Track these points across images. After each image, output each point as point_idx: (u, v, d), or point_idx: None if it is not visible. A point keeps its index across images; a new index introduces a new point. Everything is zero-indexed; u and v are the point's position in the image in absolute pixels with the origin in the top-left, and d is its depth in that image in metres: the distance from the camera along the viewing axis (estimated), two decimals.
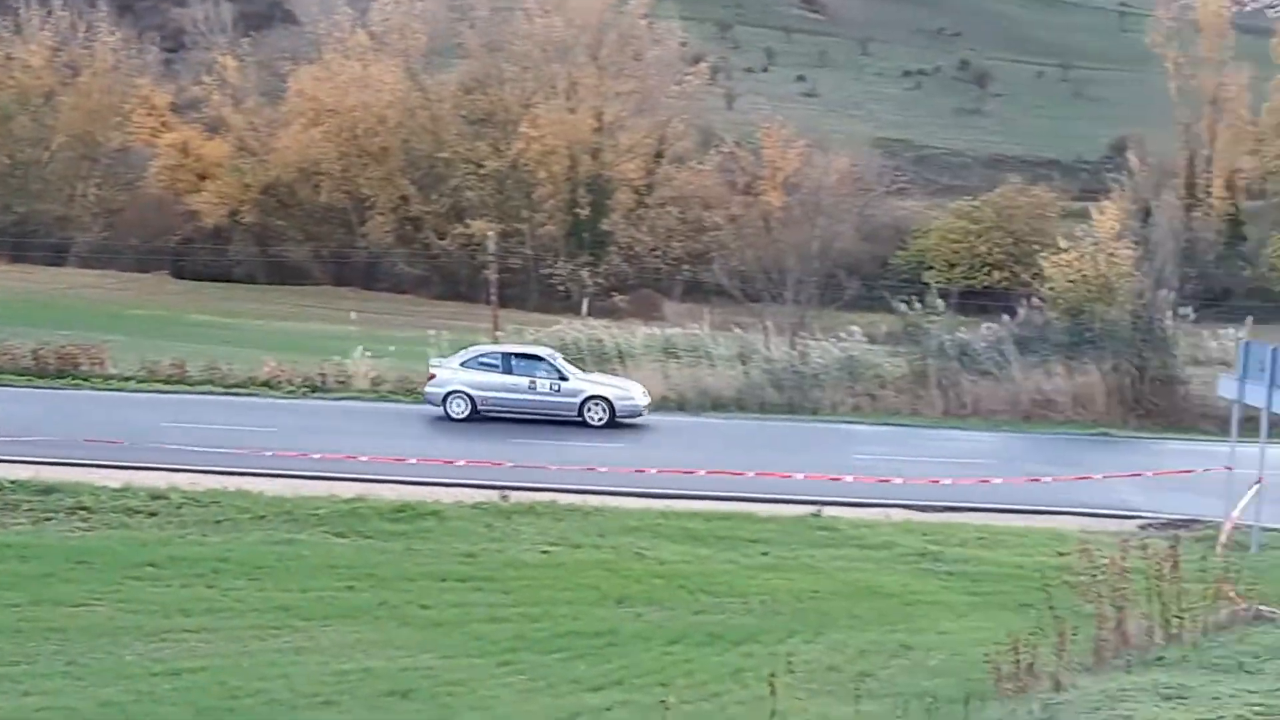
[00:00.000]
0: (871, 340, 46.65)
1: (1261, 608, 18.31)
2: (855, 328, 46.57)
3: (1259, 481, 22.50)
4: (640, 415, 35.21)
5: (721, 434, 35.38)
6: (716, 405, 39.26)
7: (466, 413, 34.88)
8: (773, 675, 12.68)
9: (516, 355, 35.76)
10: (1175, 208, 78.45)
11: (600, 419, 34.47)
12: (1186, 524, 24.78)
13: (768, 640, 18.84)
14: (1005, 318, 42.59)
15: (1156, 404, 37.23)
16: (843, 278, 62.89)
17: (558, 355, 36.41)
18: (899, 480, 27.68)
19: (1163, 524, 24.61)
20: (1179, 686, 14.36)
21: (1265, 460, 22.84)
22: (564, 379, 34.60)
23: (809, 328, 47.62)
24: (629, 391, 35.51)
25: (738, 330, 46.49)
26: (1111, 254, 40.79)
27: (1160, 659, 16.00)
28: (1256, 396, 23.11)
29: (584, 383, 35.19)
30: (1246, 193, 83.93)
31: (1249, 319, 44.77)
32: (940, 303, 43.49)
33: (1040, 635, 15.80)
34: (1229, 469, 24.02)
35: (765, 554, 23.34)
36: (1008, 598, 20.74)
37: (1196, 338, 46.56)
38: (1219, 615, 17.68)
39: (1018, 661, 15.10)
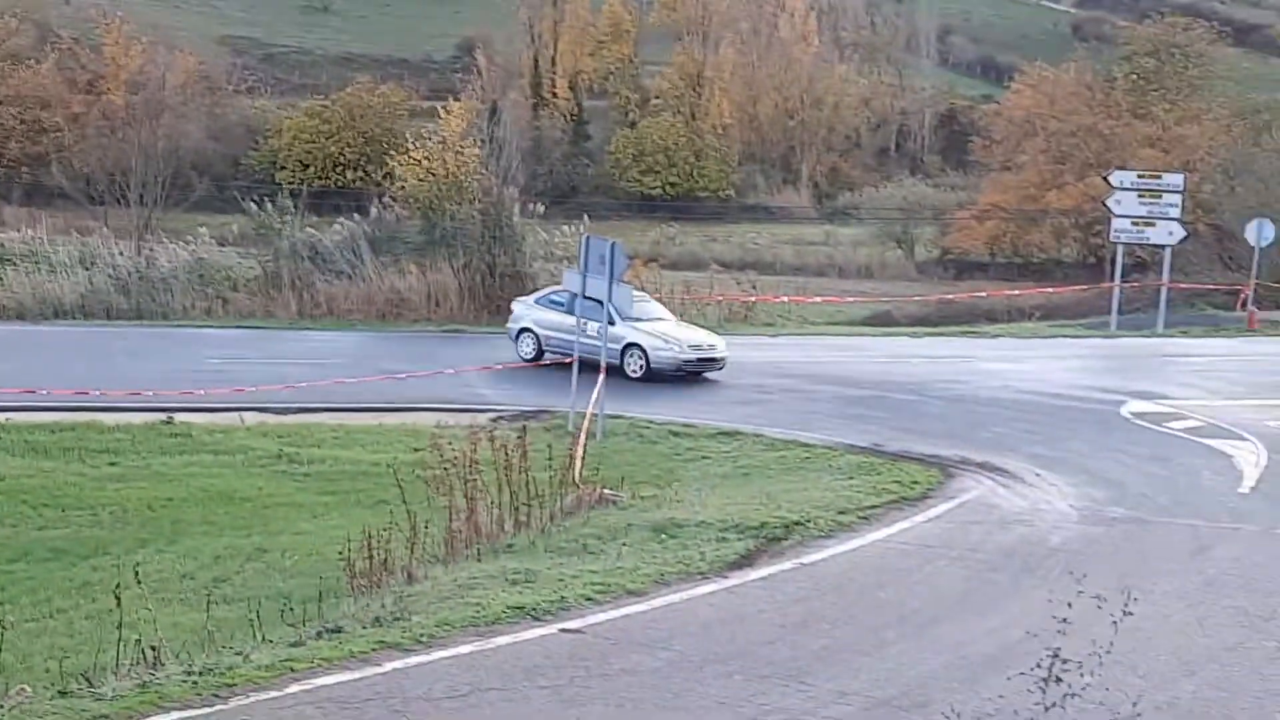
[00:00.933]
0: (222, 243, 45.80)
1: (605, 491, 19.21)
2: (204, 230, 45.54)
3: (603, 371, 23.48)
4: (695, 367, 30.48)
5: (65, 342, 33.82)
6: (59, 313, 37.56)
7: (533, 353, 30.77)
8: (119, 587, 12.25)
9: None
10: (522, 107, 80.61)
11: (636, 370, 29.67)
12: (536, 414, 25.62)
13: (117, 551, 18.25)
14: (357, 217, 42.63)
15: (507, 299, 38.12)
16: (193, 179, 61.29)
17: (636, 296, 29.37)
18: (252, 385, 27.28)
19: (513, 415, 25.33)
20: (527, 571, 14.86)
21: (606, 351, 23.83)
22: (611, 322, 27.02)
23: (155, 231, 46.13)
24: (674, 340, 30.14)
25: (78, 235, 44.48)
26: (460, 153, 41.41)
27: (510, 546, 16.51)
28: (597, 289, 24.07)
29: (628, 329, 29.48)
30: (589, 92, 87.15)
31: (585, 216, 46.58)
32: (291, 203, 43.06)
33: (395, 530, 15.96)
34: (575, 359, 24.96)
35: (114, 464, 22.56)
36: (364, 495, 20.89)
37: (545, 234, 48.12)
38: (566, 501, 18.41)
39: (371, 557, 15.20)
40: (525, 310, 31.54)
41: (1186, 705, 11.88)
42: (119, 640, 11.92)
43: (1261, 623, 14.33)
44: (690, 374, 29.70)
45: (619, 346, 28.72)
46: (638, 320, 29.48)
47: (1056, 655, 7.51)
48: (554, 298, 30.95)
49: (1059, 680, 7.45)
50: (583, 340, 25.43)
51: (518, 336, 31.15)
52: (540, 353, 30.57)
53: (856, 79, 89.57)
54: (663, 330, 30.20)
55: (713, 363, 30.12)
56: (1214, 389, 29.41)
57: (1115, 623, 8.12)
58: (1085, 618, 8.43)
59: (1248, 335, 39.74)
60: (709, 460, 22.35)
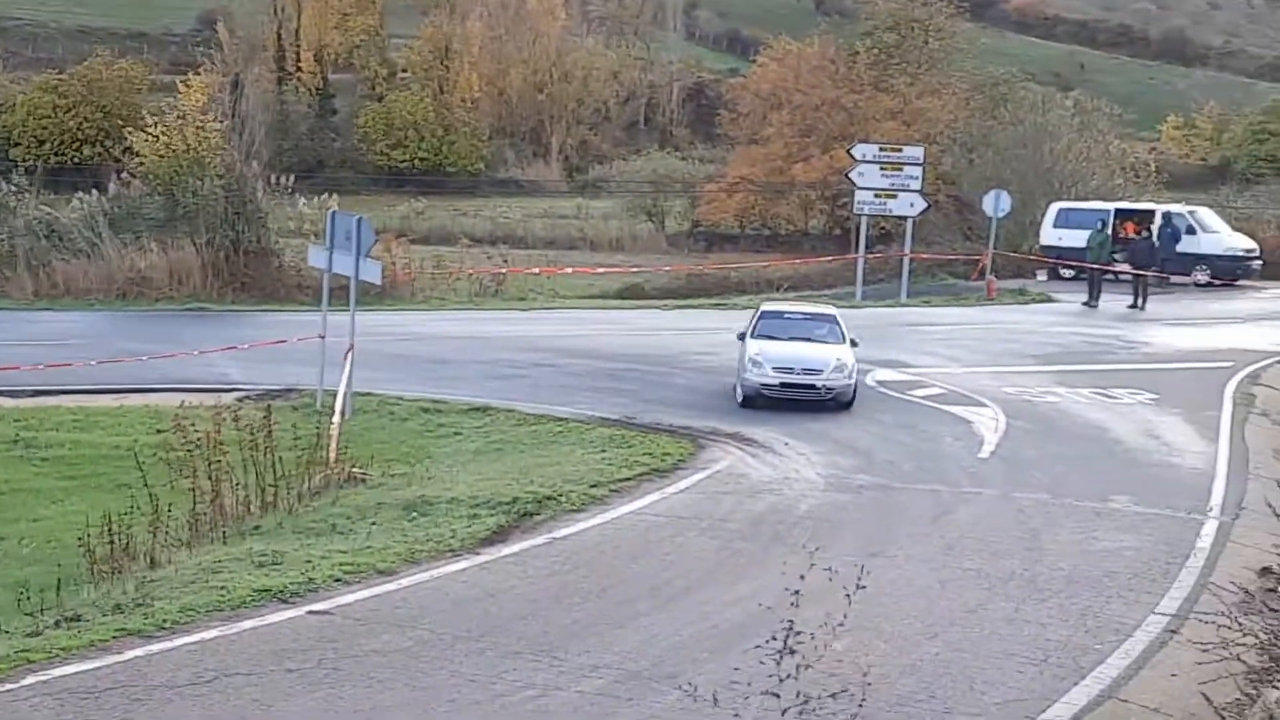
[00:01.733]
0: None
1: (354, 470, 18.98)
2: None
3: (350, 349, 23.17)
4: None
5: None
6: None
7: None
8: None
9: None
10: (266, 81, 79.15)
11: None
12: (283, 393, 25.19)
13: None
14: (96, 194, 41.38)
15: (252, 276, 37.47)
16: None
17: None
18: None
19: (260, 395, 24.85)
20: (274, 553, 14.61)
21: (355, 327, 23.51)
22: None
23: None
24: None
25: None
26: (201, 127, 40.46)
27: (257, 528, 16.22)
28: (344, 265, 23.73)
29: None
30: (335, 66, 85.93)
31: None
32: (26, 180, 41.60)
33: (137, 514, 15.57)
34: (322, 337, 24.60)
35: None
36: (105, 479, 20.27)
37: (291, 209, 47.38)
38: (314, 480, 18.15)
39: (112, 542, 14.81)
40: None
41: (929, 668, 12.20)
42: None
43: (1000, 584, 14.79)
44: (777, 400, 24.09)
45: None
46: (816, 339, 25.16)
47: (790, 627, 7.61)
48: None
49: (793, 652, 7.56)
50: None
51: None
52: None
53: (605, 52, 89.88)
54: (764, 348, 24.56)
55: (809, 390, 24.05)
56: (955, 357, 30.24)
57: (848, 596, 8.26)
58: (826, 586, 8.56)
59: (987, 304, 40.95)
60: (461, 436, 22.22)
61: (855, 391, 24.44)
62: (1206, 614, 12.27)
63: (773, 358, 24.18)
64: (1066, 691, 11.92)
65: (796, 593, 8.10)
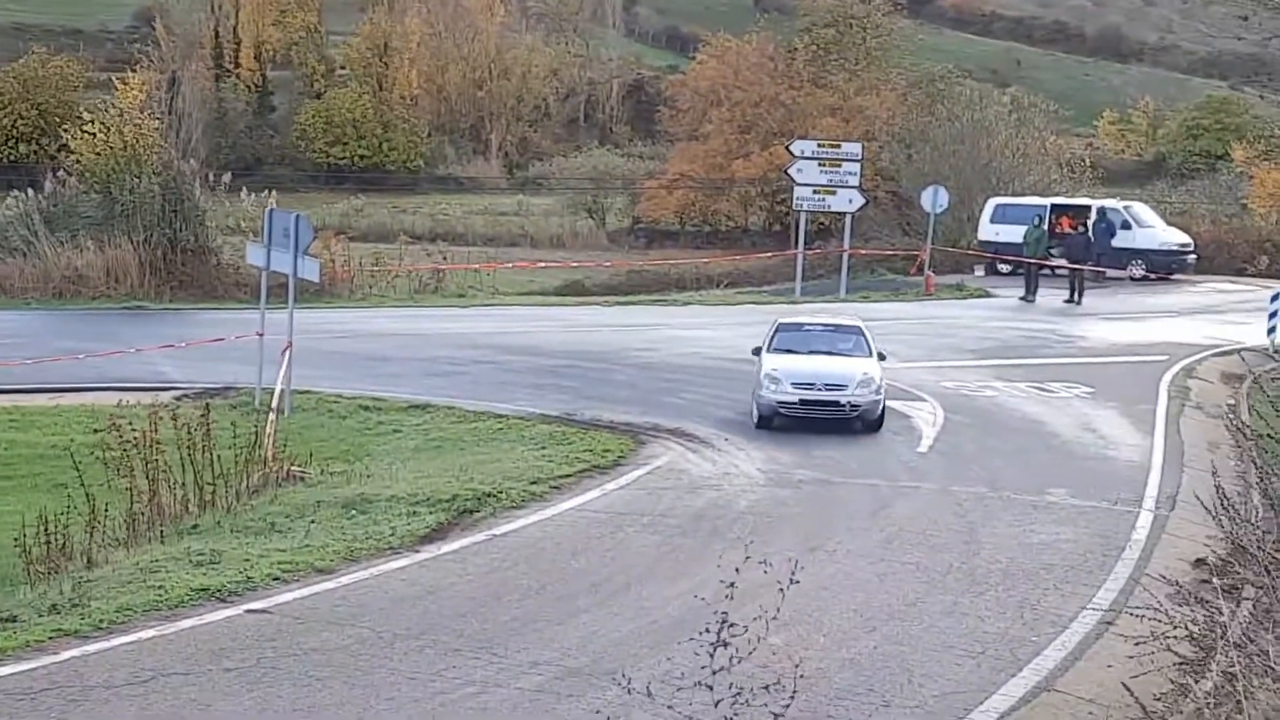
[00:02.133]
0: None
1: (293, 468, 18.91)
2: None
3: (288, 346, 23.07)
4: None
5: None
6: None
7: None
8: None
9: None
10: (204, 78, 78.66)
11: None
12: (221, 392, 25.05)
13: None
14: (31, 192, 40.99)
15: (190, 275, 37.22)
16: None
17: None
18: None
19: (198, 393, 24.70)
20: (212, 552, 14.54)
21: (294, 325, 23.42)
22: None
23: None
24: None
25: None
26: (138, 125, 40.14)
27: (195, 527, 16.14)
28: (282, 263, 23.63)
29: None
30: (273, 63, 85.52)
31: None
32: None
33: (73, 514, 15.47)
34: (260, 335, 24.48)
35: None
36: (42, 479, 20.13)
37: (230, 207, 47.10)
38: (252, 479, 18.06)
39: (49, 542, 14.71)
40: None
41: (867, 661, 12.28)
42: None
43: (938, 578, 14.89)
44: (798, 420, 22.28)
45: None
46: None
47: (725, 620, 7.66)
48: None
49: (725, 645, 7.61)
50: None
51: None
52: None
53: (544, 49, 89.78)
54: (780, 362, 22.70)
55: (833, 408, 22.13)
56: (893, 352, 30.21)
57: (782, 590, 8.31)
58: (764, 580, 8.61)
59: (925, 299, 41.17)
60: (400, 434, 22.17)
61: (884, 410, 22.54)
62: (1141, 605, 12.39)
63: (791, 373, 22.26)
64: (1004, 684, 12.02)
65: (732, 585, 8.15)
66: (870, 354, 23.17)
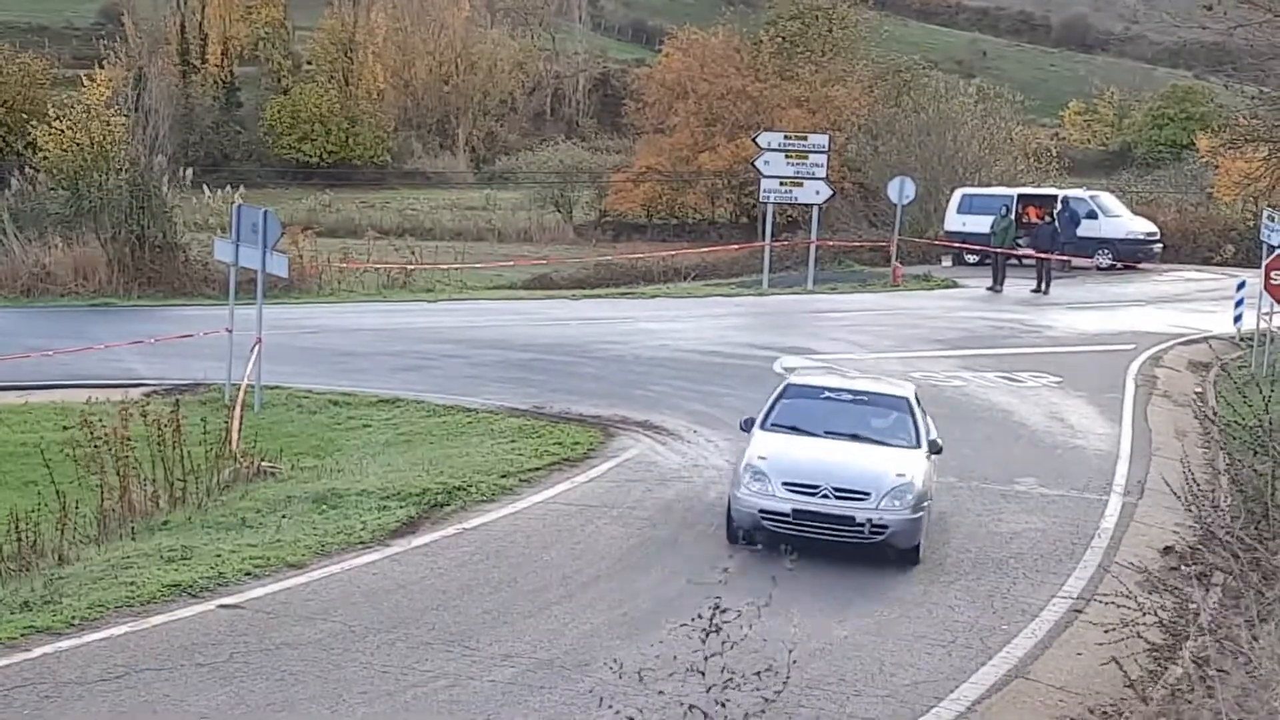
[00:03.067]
0: None
1: (264, 464, 18.89)
2: None
3: (257, 342, 23.03)
4: None
5: None
6: None
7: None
8: None
9: None
10: (171, 74, 78.33)
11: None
12: (191, 388, 24.99)
13: None
14: None
15: (158, 271, 37.06)
16: None
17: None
18: None
19: (167, 389, 24.64)
20: (183, 548, 14.54)
21: (262, 321, 23.39)
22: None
23: None
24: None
25: None
26: (105, 122, 40.02)
27: (166, 523, 16.13)
28: (250, 259, 23.59)
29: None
30: (240, 59, 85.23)
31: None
32: None
33: (44, 511, 15.45)
34: (229, 331, 24.43)
35: None
36: (11, 477, 20.03)
37: (197, 203, 47.01)
38: (223, 475, 18.05)
39: (20, 540, 14.69)
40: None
41: (839, 650, 12.39)
42: None
43: (908, 567, 15.02)
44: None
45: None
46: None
47: (718, 606, 7.71)
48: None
49: (718, 630, 7.66)
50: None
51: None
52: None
53: (510, 43, 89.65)
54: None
55: (844, 528, 15.20)
56: (861, 342, 30.48)
57: (774, 577, 8.40)
58: (740, 567, 8.68)
59: (893, 290, 41.29)
60: (370, 429, 22.15)
61: (924, 529, 15.45)
62: (1111, 593, 12.50)
63: (786, 467, 15.54)
64: (974, 672, 12.12)
65: (725, 570, 8.22)
66: (916, 442, 16.37)
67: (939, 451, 16.79)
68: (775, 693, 7.99)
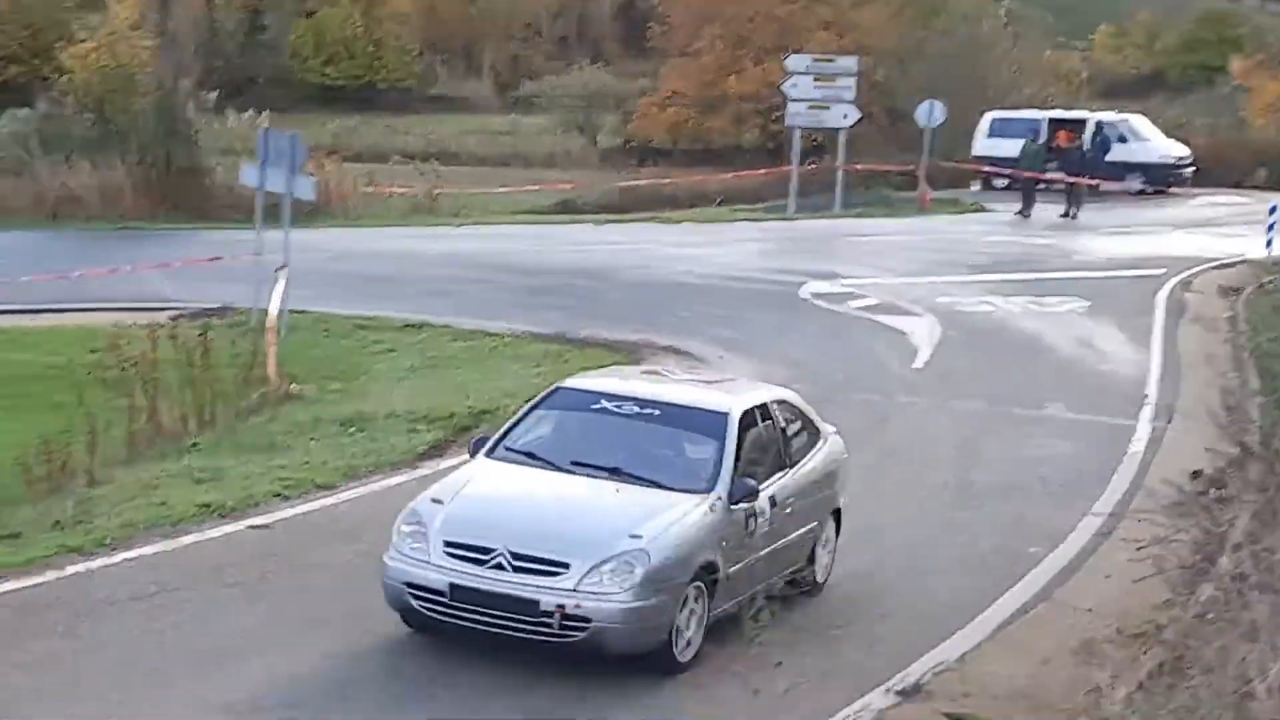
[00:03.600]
0: None
1: (292, 387, 18.95)
2: None
3: (284, 266, 23.02)
4: None
5: None
6: None
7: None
8: None
9: None
10: None
11: None
12: (218, 312, 25.02)
13: None
14: (27, 112, 40.81)
15: (184, 195, 37.08)
16: None
17: None
18: None
19: (195, 313, 24.68)
20: (213, 470, 14.61)
21: (289, 245, 23.37)
22: None
23: None
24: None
25: None
26: (132, 45, 39.89)
27: (195, 445, 16.18)
28: (277, 182, 23.54)
29: None
30: None
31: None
32: None
33: (74, 433, 15.52)
34: (257, 255, 24.43)
35: None
36: (40, 399, 20.04)
37: (222, 127, 46.90)
38: (251, 398, 18.11)
39: (50, 461, 14.76)
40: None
41: (866, 575, 12.38)
42: None
43: (935, 492, 15.05)
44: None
45: None
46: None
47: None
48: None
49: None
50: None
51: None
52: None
53: None
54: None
55: (520, 615, 9.96)
56: (889, 267, 30.37)
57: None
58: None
59: (921, 215, 41.09)
60: (396, 353, 22.16)
61: (678, 625, 10.18)
62: (1140, 514, 12.48)
63: (460, 517, 10.47)
64: (1000, 595, 12.14)
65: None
66: (710, 485, 10.71)
67: (838, 519, 12.39)
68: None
